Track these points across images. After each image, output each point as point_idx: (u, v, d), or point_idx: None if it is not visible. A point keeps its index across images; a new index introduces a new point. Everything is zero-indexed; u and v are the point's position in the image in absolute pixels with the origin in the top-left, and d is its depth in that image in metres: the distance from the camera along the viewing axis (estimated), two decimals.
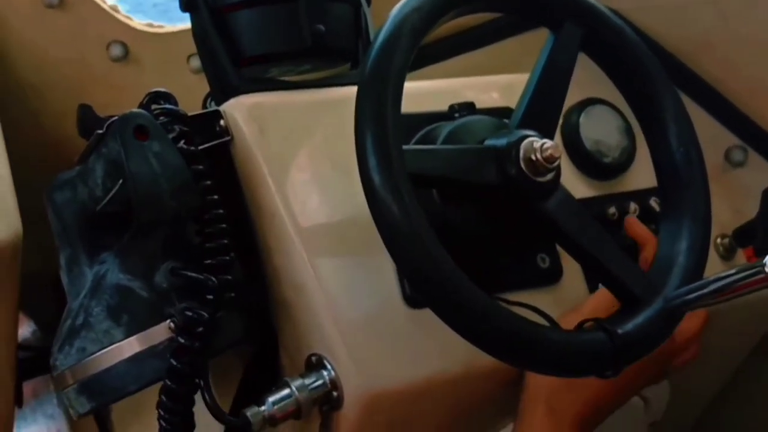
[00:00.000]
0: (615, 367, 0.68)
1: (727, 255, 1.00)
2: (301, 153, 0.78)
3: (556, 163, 0.72)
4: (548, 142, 0.72)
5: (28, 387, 1.23)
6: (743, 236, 0.96)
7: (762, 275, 0.62)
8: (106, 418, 1.20)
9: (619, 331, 0.68)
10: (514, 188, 0.72)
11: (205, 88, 0.92)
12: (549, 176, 0.72)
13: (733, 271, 0.65)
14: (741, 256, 1.00)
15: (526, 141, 0.72)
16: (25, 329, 1.26)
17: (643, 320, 0.70)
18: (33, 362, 1.16)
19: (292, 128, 0.79)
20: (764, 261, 0.62)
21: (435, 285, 0.62)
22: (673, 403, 1.10)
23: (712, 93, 1.00)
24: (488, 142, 0.74)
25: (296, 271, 0.74)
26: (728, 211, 0.99)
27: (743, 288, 0.64)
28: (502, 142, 0.72)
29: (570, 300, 0.84)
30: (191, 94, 0.87)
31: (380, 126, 0.65)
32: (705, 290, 0.67)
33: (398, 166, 0.64)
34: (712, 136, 1.00)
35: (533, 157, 0.71)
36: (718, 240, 0.97)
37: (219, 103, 0.81)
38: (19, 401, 1.14)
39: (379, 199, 0.63)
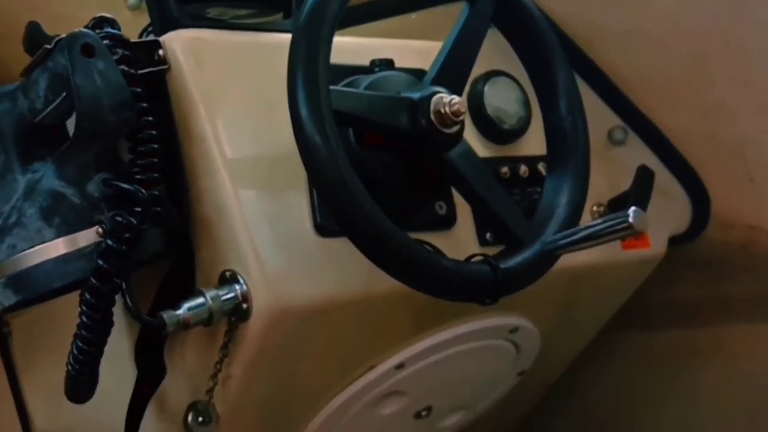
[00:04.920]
0: (494, 296, 0.78)
1: None
2: (234, 88, 0.85)
3: (461, 118, 0.81)
4: (456, 98, 0.81)
5: None
6: (616, 205, 1.07)
7: (625, 224, 0.73)
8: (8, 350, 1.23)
9: (502, 266, 0.78)
10: (424, 136, 0.81)
11: (140, 25, 0.97)
12: (454, 129, 0.82)
13: (601, 221, 0.76)
14: None
15: (437, 95, 0.81)
16: None
17: (522, 259, 0.80)
18: None
19: (227, 64, 0.85)
20: (627, 212, 0.74)
21: (348, 203, 0.71)
22: (542, 355, 1.21)
23: (601, 76, 1.12)
24: (405, 94, 0.83)
25: (220, 192, 0.81)
26: (606, 184, 1.10)
27: (609, 234, 0.75)
28: (416, 94, 0.81)
29: (460, 244, 0.94)
30: (126, 29, 0.91)
31: (311, 65, 0.73)
32: (576, 236, 0.78)
33: (325, 101, 0.72)
34: (598, 116, 1.12)
35: (442, 110, 0.80)
36: (594, 208, 1.08)
37: (158, 35, 0.87)
38: None
39: (305, 129, 0.71)
